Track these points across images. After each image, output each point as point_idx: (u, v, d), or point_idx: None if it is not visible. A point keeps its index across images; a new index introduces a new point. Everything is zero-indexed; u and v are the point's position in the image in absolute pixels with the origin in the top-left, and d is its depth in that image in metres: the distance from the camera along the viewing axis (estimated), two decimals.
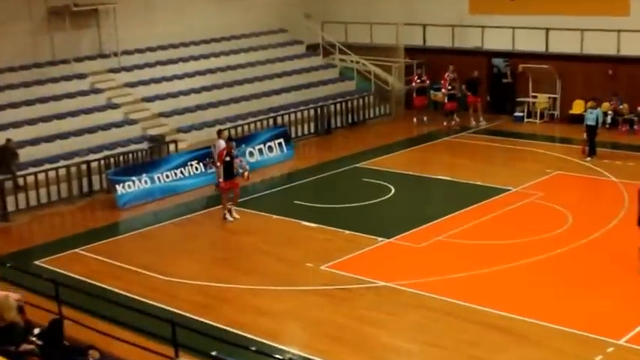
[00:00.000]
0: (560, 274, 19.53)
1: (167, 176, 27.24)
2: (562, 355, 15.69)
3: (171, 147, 29.17)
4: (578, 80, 34.59)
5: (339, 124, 35.19)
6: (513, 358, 15.67)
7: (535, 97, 35.84)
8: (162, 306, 18.02)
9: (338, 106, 35.39)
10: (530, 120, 35.53)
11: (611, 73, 33.67)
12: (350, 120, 35.68)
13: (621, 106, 33.29)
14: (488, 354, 15.78)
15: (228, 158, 23.87)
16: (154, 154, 28.59)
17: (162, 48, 35.10)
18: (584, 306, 17.83)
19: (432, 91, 36.33)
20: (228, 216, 23.98)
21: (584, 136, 29.37)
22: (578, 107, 33.78)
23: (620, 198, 24.37)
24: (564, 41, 34.95)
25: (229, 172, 23.92)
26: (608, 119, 33.27)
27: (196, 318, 17.38)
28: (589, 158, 28.86)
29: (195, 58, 35.21)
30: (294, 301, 18.48)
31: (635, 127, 31.56)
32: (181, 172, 27.59)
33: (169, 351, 14.08)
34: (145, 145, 29.06)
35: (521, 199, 24.93)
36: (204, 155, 28.23)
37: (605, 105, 33.51)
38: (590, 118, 29.37)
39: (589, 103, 30.82)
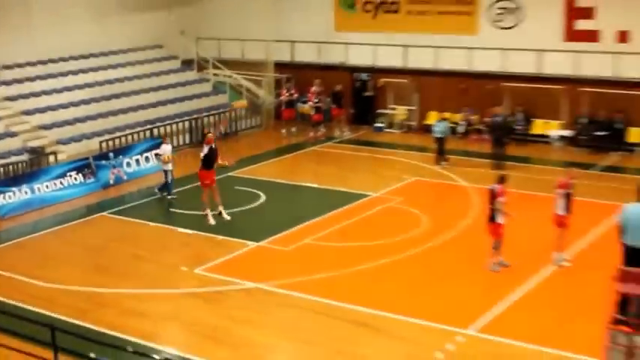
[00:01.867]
0: (416, 271, 20.04)
1: (47, 187, 26.72)
2: (418, 345, 16.08)
3: (51, 158, 28.64)
4: (434, 93, 35.57)
5: (224, 135, 35.20)
6: (377, 351, 15.95)
7: (394, 109, 36.62)
8: (43, 311, 17.71)
9: (212, 118, 35.42)
10: (389, 130, 36.23)
11: (463, 87, 34.67)
12: (224, 131, 35.77)
13: (472, 117, 34.36)
14: (355, 348, 16.07)
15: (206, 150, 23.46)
16: (33, 166, 28.03)
17: (42, 63, 34.53)
18: (437, 300, 18.30)
19: (299, 104, 36.65)
20: (212, 220, 23.67)
21: (434, 145, 30.25)
22: (432, 118, 34.68)
23: (469, 201, 25.19)
24: (421, 57, 35.80)
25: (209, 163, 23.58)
26: (462, 129, 34.32)
27: (76, 322, 17.16)
28: (440, 165, 29.66)
29: (75, 73, 34.73)
30: (170, 304, 18.43)
31: (485, 135, 32.53)
32: (61, 183, 27.13)
33: (49, 354, 13.92)
34: (25, 157, 28.47)
35: (381, 204, 25.44)
36: (82, 166, 27.92)
37: (458, 116, 34.57)
38: (437, 131, 30.26)
39: (437, 116, 31.92)
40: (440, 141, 30.12)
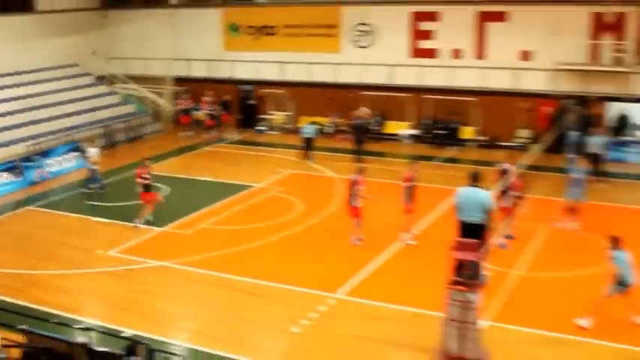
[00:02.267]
0: (294, 247, 20.27)
1: None
2: (297, 308, 16.34)
3: None
4: (306, 101, 35.72)
5: (122, 139, 34.60)
6: (263, 314, 16.14)
7: (273, 114, 36.67)
8: None
9: (121, 125, 34.79)
10: (270, 132, 36.22)
11: (330, 97, 35.00)
12: (131, 136, 35.20)
13: (338, 120, 34.76)
14: (245, 312, 16.23)
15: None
16: None
17: None
18: (311, 270, 18.59)
19: (194, 112, 36.17)
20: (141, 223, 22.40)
21: (303, 144, 30.35)
22: (304, 122, 34.87)
23: (335, 189, 25.55)
24: (295, 71, 35.96)
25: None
26: (330, 130, 34.67)
27: (11, 300, 16.79)
28: (309, 160, 29.83)
29: (2, 88, 33.57)
30: (89, 281, 18.18)
31: (348, 135, 32.81)
32: None
33: None
34: None
35: (264, 193, 25.54)
36: (11, 167, 27.43)
37: (326, 119, 34.92)
38: (306, 132, 30.53)
39: (306, 120, 32.19)
40: (308, 141, 30.36)
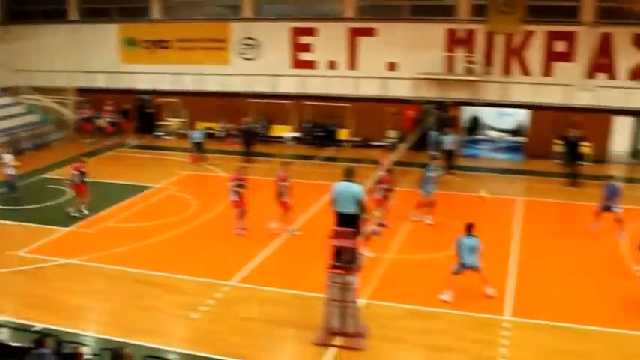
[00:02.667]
0: (189, 241, 20.08)
1: None
2: (194, 295, 16.20)
3: None
4: (199, 108, 35.40)
5: (28, 146, 33.15)
6: (162, 302, 15.96)
7: (169, 121, 36.23)
8: None
9: (26, 133, 33.37)
10: (166, 137, 35.77)
11: (220, 104, 34.80)
12: (36, 143, 33.84)
13: (228, 125, 34.60)
14: (147, 301, 16.03)
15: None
16: None
17: None
18: (208, 261, 18.48)
19: (96, 120, 35.28)
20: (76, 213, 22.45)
21: (193, 148, 30.07)
22: (198, 128, 34.54)
23: (227, 188, 25.27)
24: (189, 82, 35.60)
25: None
26: (222, 134, 34.48)
27: None
28: (204, 163, 29.49)
29: None
30: (1, 281, 17.42)
31: (237, 139, 32.60)
32: None
33: None
34: None
35: (163, 193, 25.22)
36: None
37: (218, 125, 34.72)
38: (195, 137, 30.26)
39: (201, 126, 32.23)
40: (198, 145, 30.09)
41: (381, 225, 20.39)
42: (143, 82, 36.62)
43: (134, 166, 29.80)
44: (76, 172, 22.62)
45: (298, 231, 20.53)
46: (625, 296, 16.15)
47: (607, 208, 20.53)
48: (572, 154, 26.89)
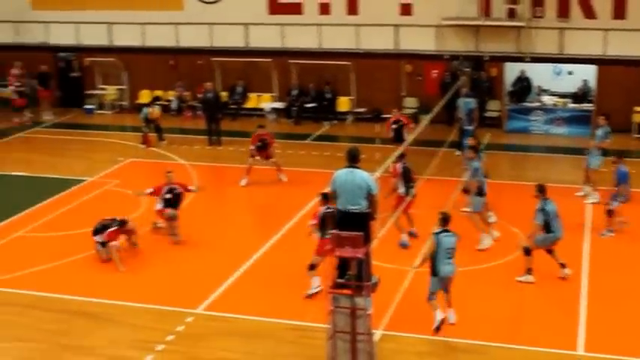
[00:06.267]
0: (142, 253, 19.93)
1: None
2: (145, 330, 16.12)
3: None
4: (143, 71, 35.23)
5: None
6: (100, 340, 15.80)
7: (104, 89, 36.02)
8: None
9: None
10: (101, 112, 35.61)
11: (172, 64, 34.63)
12: None
13: (185, 94, 34.44)
14: (77, 340, 15.83)
15: None
16: None
17: None
18: (162, 283, 18.37)
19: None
20: None
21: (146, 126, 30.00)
22: (144, 97, 34.36)
23: (190, 178, 25.28)
24: (127, 35, 35.40)
25: None
26: (175, 105, 34.35)
27: None
28: (160, 144, 29.64)
29: None
30: None
31: (198, 112, 32.66)
32: None
33: None
34: None
35: (98, 188, 25.08)
36: None
37: (171, 93, 34.58)
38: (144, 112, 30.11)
39: (149, 95, 32.36)
40: (147, 121, 29.92)
41: (411, 235, 20.30)
42: (63, 36, 36.31)
43: (56, 153, 29.59)
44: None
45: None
46: None
47: None
48: None
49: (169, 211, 20.61)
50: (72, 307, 17.13)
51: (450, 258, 15.80)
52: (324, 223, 17.10)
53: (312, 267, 17.41)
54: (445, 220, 15.97)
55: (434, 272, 15.79)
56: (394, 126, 25.89)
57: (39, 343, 15.80)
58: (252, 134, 25.48)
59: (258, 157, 24.96)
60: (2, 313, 17.05)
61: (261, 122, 28.00)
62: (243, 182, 24.80)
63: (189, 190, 21.41)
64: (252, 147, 25.08)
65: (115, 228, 19.43)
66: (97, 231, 19.57)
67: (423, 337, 15.71)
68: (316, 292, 17.30)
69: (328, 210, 16.77)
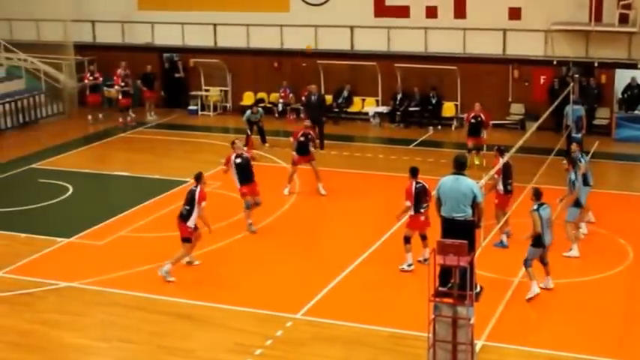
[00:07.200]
0: (240, 259, 20.11)
1: None
2: (244, 333, 16.19)
3: None
4: (247, 73, 35.56)
5: (9, 125, 33.70)
6: (198, 342, 15.92)
7: (207, 90, 36.44)
8: None
9: (7, 106, 33.85)
10: (204, 113, 36.04)
11: (276, 66, 34.85)
12: (21, 120, 34.40)
13: (289, 96, 34.59)
14: (176, 342, 15.97)
15: None
16: None
17: None
18: (263, 287, 18.43)
19: (105, 88, 35.73)
20: None
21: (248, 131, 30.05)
22: (248, 99, 34.66)
23: (291, 180, 25.14)
24: (232, 36, 35.79)
25: None
26: (280, 108, 34.54)
27: None
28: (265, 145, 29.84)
29: None
30: None
31: (302, 115, 32.65)
32: None
33: None
34: None
35: None
36: None
37: (274, 95, 34.80)
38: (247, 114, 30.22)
39: (253, 97, 32.45)
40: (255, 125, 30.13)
41: (507, 234, 20.32)
42: (169, 36, 36.93)
43: (159, 154, 30.05)
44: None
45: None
46: None
47: None
48: None
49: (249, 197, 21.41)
50: (173, 309, 17.33)
51: (549, 227, 17.21)
52: (418, 198, 18.49)
53: (407, 239, 18.67)
54: (538, 194, 17.38)
55: (538, 244, 17.18)
56: (472, 120, 26.72)
57: (138, 344, 16.02)
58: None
59: (298, 165, 24.73)
60: (106, 314, 17.34)
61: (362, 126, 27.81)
62: (286, 191, 24.61)
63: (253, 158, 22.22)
64: (294, 153, 24.79)
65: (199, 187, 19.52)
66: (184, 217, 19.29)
67: (525, 349, 15.54)
68: (409, 270, 18.59)
69: (419, 185, 18.60)
